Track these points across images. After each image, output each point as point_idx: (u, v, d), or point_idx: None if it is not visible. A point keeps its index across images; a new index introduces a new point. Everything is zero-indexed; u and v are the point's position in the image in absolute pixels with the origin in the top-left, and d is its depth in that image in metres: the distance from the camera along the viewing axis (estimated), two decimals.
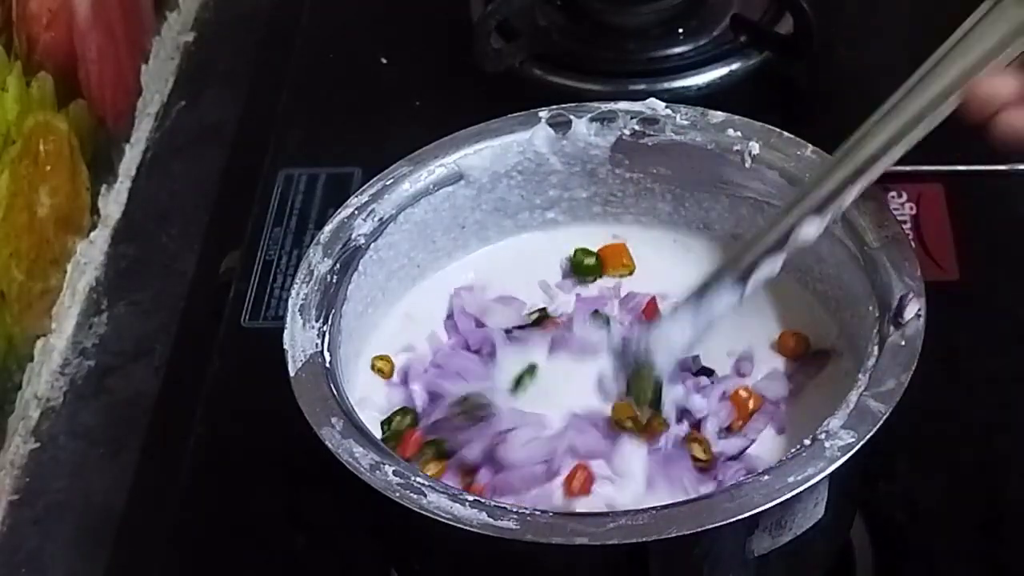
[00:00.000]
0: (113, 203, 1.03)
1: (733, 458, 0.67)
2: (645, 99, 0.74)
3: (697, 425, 0.67)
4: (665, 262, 0.74)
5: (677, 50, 1.01)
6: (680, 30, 1.02)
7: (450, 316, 0.73)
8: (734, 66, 1.00)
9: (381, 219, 0.71)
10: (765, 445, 0.67)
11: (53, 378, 0.92)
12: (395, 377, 0.71)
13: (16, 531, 0.85)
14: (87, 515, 0.85)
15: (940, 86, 0.63)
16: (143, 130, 1.08)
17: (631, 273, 0.75)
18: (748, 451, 0.67)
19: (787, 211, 0.66)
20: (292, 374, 0.64)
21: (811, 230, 0.65)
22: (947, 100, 0.63)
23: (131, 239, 1.01)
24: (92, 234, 1.00)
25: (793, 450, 0.60)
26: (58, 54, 0.96)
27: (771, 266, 0.66)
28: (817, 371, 0.69)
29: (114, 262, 1.00)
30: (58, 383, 0.92)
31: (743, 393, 0.69)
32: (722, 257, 0.68)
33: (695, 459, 0.66)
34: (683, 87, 0.98)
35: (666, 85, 0.98)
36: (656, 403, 0.67)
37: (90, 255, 0.99)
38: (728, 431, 0.68)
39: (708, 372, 0.70)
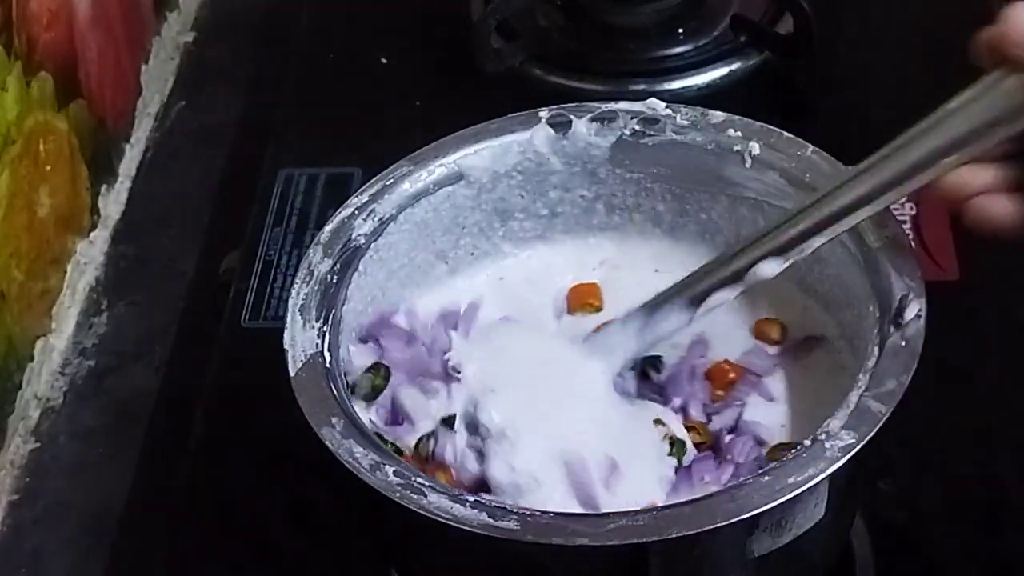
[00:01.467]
0: (113, 203, 1.03)
1: (733, 430, 0.67)
2: (645, 99, 0.74)
3: (684, 410, 0.68)
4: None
5: (677, 50, 1.01)
6: (680, 30, 1.02)
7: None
8: (734, 66, 1.00)
9: (381, 219, 0.71)
10: (759, 412, 0.68)
11: (53, 378, 0.92)
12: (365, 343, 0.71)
13: (16, 531, 0.85)
14: (87, 515, 0.85)
15: (918, 155, 0.62)
16: (143, 130, 1.08)
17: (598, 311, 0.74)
18: (745, 418, 0.68)
19: (750, 246, 0.67)
20: (292, 374, 0.64)
21: (770, 269, 0.66)
22: (924, 170, 0.62)
23: (131, 239, 1.01)
24: (92, 234, 1.00)
25: (793, 451, 0.60)
26: (58, 54, 0.96)
27: (725, 296, 0.67)
28: (806, 354, 0.70)
29: (114, 262, 1.00)
30: (58, 383, 0.92)
31: (725, 365, 0.70)
32: (678, 280, 0.69)
33: (696, 445, 0.67)
34: (683, 87, 0.98)
35: (666, 85, 0.98)
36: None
37: (90, 255, 0.99)
38: (713, 403, 0.69)
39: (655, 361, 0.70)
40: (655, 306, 0.69)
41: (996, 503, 0.77)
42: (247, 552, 0.78)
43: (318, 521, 0.78)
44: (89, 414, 0.91)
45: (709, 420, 0.68)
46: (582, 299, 0.74)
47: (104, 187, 1.02)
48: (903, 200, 0.89)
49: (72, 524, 0.85)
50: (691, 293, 0.68)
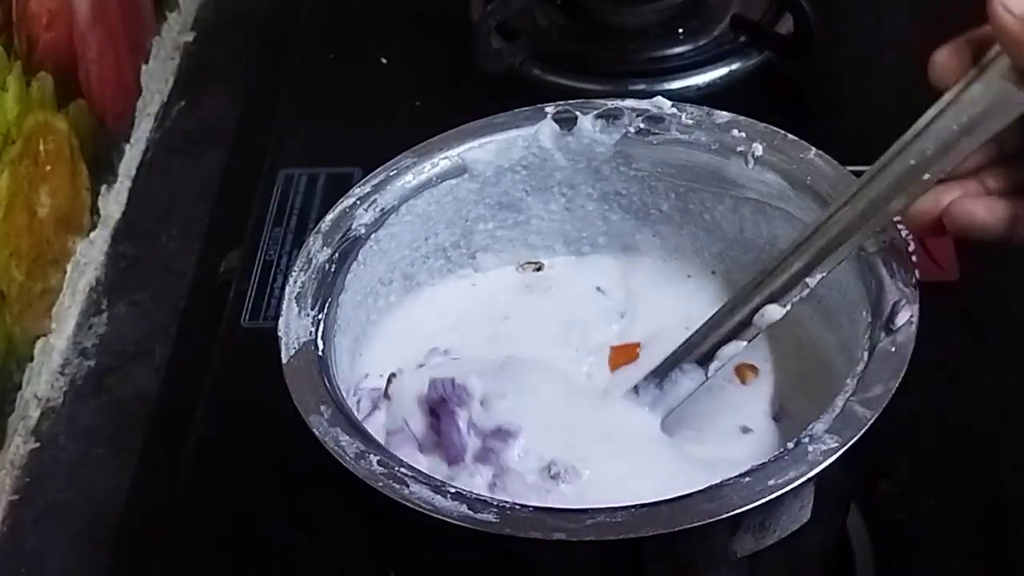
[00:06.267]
0: (113, 203, 1.03)
1: None
2: (646, 99, 0.73)
3: None
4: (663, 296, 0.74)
5: (677, 50, 1.01)
6: (680, 30, 1.02)
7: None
8: (734, 66, 1.00)
9: (383, 209, 0.70)
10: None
11: (53, 378, 0.92)
12: None
13: (16, 531, 0.85)
14: (87, 515, 0.85)
15: (899, 170, 0.62)
16: (143, 130, 1.08)
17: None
18: None
19: (748, 296, 0.66)
20: (284, 361, 0.64)
21: (772, 316, 0.65)
22: (899, 193, 0.62)
23: (131, 239, 1.01)
24: (92, 234, 1.00)
25: (776, 453, 0.59)
26: (58, 54, 0.96)
27: (733, 349, 0.66)
28: None
29: (114, 262, 1.00)
30: (58, 383, 0.92)
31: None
32: (682, 342, 0.68)
33: None
34: (683, 87, 0.98)
35: (666, 85, 0.98)
36: None
37: (90, 255, 0.99)
38: None
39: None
40: (663, 375, 0.68)
41: (996, 503, 0.77)
42: (247, 552, 0.78)
43: (318, 521, 0.78)
44: (89, 414, 0.91)
45: None
46: (627, 356, 0.72)
47: (104, 187, 1.02)
48: None
49: (72, 524, 0.85)
50: (698, 352, 0.67)
